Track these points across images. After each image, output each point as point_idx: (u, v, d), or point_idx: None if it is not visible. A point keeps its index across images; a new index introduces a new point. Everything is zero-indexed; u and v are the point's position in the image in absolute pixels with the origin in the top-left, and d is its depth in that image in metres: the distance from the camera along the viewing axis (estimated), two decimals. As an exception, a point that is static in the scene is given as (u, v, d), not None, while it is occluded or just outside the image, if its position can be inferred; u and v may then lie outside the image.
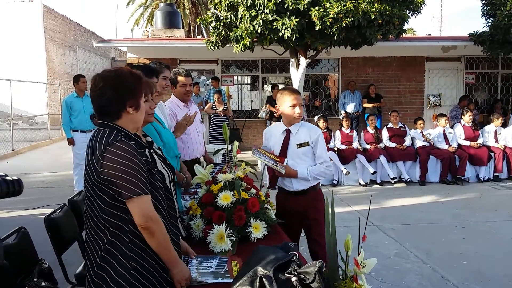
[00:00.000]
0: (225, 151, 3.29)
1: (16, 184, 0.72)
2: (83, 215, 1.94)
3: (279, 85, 11.58)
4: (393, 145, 8.34)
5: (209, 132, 9.36)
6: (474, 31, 10.48)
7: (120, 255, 1.78)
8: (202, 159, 4.16)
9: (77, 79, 7.23)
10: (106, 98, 1.84)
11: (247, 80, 12.99)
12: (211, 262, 2.12)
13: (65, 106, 7.03)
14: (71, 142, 7.01)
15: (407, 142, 8.41)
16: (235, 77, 12.63)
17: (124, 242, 1.79)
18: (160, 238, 1.80)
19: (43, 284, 2.20)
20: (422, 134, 8.46)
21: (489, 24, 10.00)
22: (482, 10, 10.18)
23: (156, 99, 2.86)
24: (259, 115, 11.58)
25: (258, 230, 2.54)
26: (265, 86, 12.53)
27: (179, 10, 17.89)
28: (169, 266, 1.87)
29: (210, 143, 9.06)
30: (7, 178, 0.70)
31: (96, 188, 1.78)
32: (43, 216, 2.81)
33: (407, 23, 8.70)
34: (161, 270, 1.87)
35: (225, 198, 2.57)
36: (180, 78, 3.86)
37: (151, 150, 2.02)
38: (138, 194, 1.74)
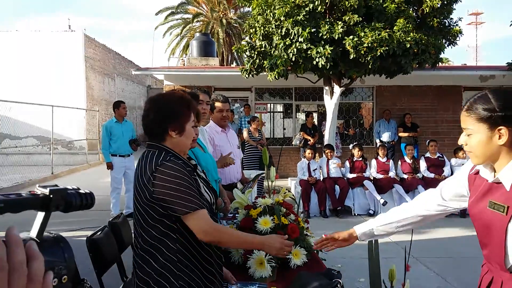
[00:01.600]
0: (262, 176, 3.29)
1: (89, 197, 0.74)
2: (130, 237, 1.98)
3: (313, 113, 11.59)
4: (432, 175, 8.14)
5: (244, 158, 9.41)
6: (513, 60, 10.28)
7: (170, 276, 1.79)
8: (238, 184, 4.17)
9: (118, 105, 7.44)
10: (149, 120, 1.90)
11: (279, 108, 13.07)
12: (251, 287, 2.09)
13: (105, 131, 7.22)
14: (109, 166, 7.17)
15: (446, 172, 8.19)
16: (268, 105, 12.74)
17: (172, 262, 1.80)
18: (229, 241, 1.90)
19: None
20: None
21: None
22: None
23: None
24: (293, 143, 11.59)
25: (298, 257, 2.49)
26: (298, 114, 12.56)
27: (213, 39, 18.36)
28: (260, 249, 1.99)
29: (244, 169, 9.09)
30: (81, 191, 0.73)
31: (149, 208, 1.81)
32: (82, 238, 2.86)
33: (444, 53, 8.62)
34: None
35: (265, 223, 2.54)
36: (217, 104, 3.93)
37: (195, 173, 2.05)
38: (195, 209, 1.76)
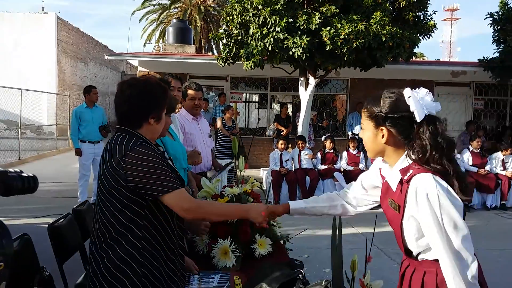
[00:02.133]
0: (233, 166, 3.28)
1: (31, 181, 0.72)
2: (91, 223, 1.92)
3: (287, 104, 11.60)
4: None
5: (216, 147, 9.35)
6: (484, 57, 10.51)
7: (134, 263, 1.76)
8: (209, 173, 4.14)
9: (89, 90, 7.26)
10: (131, 106, 1.85)
11: (255, 97, 13.04)
12: (213, 278, 2.07)
13: (74, 117, 7.06)
14: (78, 152, 7.02)
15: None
16: (244, 94, 12.69)
17: (136, 249, 1.77)
18: (214, 212, 1.93)
19: (43, 291, 2.16)
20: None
21: (500, 50, 10.01)
22: (493, 36, 10.20)
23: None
24: (266, 133, 11.60)
25: (263, 246, 2.49)
26: (273, 104, 12.56)
27: (191, 26, 18.12)
28: (245, 217, 2.01)
29: (216, 158, 9.05)
30: (23, 174, 0.70)
31: (116, 192, 1.76)
32: (46, 225, 2.79)
33: (418, 47, 8.74)
34: (168, 279, 1.85)
35: (231, 213, 2.53)
36: (190, 91, 3.87)
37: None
38: (174, 188, 1.76)
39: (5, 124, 16.01)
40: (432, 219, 1.49)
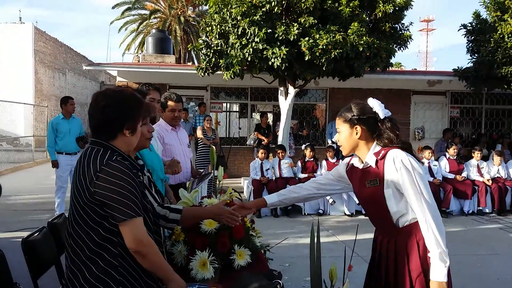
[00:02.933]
0: (212, 176, 3.28)
1: None
2: (64, 238, 1.88)
3: (268, 113, 11.65)
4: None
5: (196, 157, 9.31)
6: (458, 66, 10.75)
7: (112, 282, 1.73)
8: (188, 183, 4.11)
9: (66, 101, 7.16)
10: (106, 118, 1.82)
11: (235, 107, 13.05)
12: (190, 290, 2.04)
13: (51, 128, 6.94)
14: (55, 164, 6.90)
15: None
16: (224, 104, 12.69)
17: (114, 267, 1.74)
18: (152, 259, 1.77)
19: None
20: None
21: (474, 60, 10.26)
22: (467, 47, 10.45)
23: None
24: (247, 142, 11.61)
25: (242, 257, 2.48)
26: (253, 114, 12.59)
27: (170, 37, 18.08)
28: (165, 282, 1.83)
29: (196, 168, 9.02)
30: None
31: (88, 209, 1.72)
32: (20, 240, 2.73)
33: (394, 57, 8.89)
34: None
35: (209, 224, 2.51)
36: (170, 102, 3.85)
37: (142, 174, 1.99)
38: (131, 216, 1.70)
39: (-20, 136, 15.66)
40: (408, 178, 2.02)
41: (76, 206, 1.76)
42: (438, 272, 1.99)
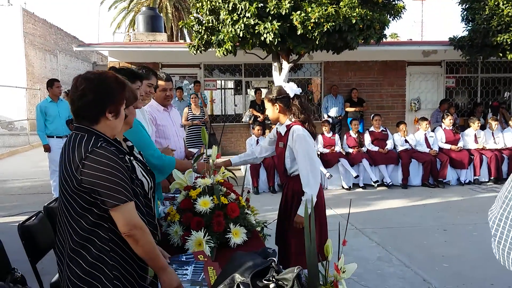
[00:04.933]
0: (205, 156, 3.27)
1: None
2: (56, 226, 1.88)
3: (262, 89, 11.57)
4: (376, 148, 8.39)
5: (186, 137, 9.26)
6: (453, 35, 10.64)
7: (105, 267, 1.73)
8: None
9: (51, 83, 7.04)
10: (86, 101, 1.76)
11: (230, 84, 12.95)
12: (187, 269, 2.06)
13: (40, 112, 6.86)
14: (47, 148, 6.85)
15: (389, 145, 8.47)
16: (218, 82, 12.59)
17: (106, 252, 1.74)
18: (145, 245, 1.76)
19: (16, 293, 2.13)
20: (406, 140, 8.51)
21: (468, 28, 10.16)
22: (462, 15, 10.33)
23: (139, 104, 2.81)
24: (242, 119, 11.57)
25: (237, 235, 2.49)
26: (248, 90, 12.51)
27: (161, 14, 17.80)
28: (157, 273, 1.83)
29: (187, 148, 9.00)
30: None
31: (77, 196, 1.71)
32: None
33: (388, 28, 8.79)
34: (140, 279, 1.83)
35: (204, 204, 2.52)
36: (160, 82, 3.80)
37: (131, 157, 1.97)
38: (123, 201, 1.69)
39: (-27, 121, 15.56)
40: (299, 145, 2.98)
41: (64, 193, 1.74)
42: (301, 211, 2.95)
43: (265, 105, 3.17)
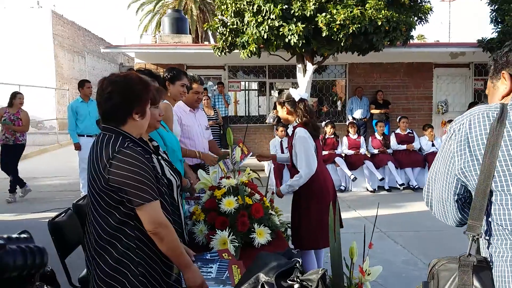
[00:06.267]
0: (229, 156, 3.35)
1: (37, 256, 0.57)
2: (85, 223, 1.93)
3: (281, 91, 11.56)
4: (403, 147, 8.28)
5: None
6: (482, 37, 10.41)
7: (131, 263, 1.78)
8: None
9: (82, 84, 7.28)
10: (113, 103, 1.82)
11: (254, 85, 12.99)
12: (211, 267, 2.08)
13: (71, 111, 7.07)
14: (77, 147, 7.04)
15: (416, 145, 8.37)
16: (242, 83, 12.64)
17: (132, 249, 1.79)
18: (170, 243, 1.80)
19: (45, 287, 2.19)
20: (433, 144, 8.37)
21: (498, 30, 9.93)
22: (491, 16, 10.11)
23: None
24: (266, 121, 11.59)
25: (262, 236, 2.51)
26: (272, 91, 12.52)
27: (186, 16, 17.97)
28: (181, 270, 1.87)
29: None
30: (25, 246, 0.56)
31: (104, 194, 1.77)
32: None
33: (415, 30, 8.67)
34: (165, 275, 1.87)
35: (229, 204, 2.55)
36: (194, 85, 3.87)
37: (159, 157, 2.02)
38: (148, 200, 1.74)
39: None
40: (299, 145, 3.35)
41: (93, 192, 1.80)
42: (282, 188, 3.44)
43: (277, 107, 3.62)
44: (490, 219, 1.32)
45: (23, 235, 0.65)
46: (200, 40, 22.75)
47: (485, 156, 1.26)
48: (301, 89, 9.37)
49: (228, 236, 2.36)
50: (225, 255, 2.18)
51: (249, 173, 2.88)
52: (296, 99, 3.43)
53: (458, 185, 1.38)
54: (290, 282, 1.58)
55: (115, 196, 1.75)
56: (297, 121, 3.45)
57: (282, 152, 8.08)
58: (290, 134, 3.59)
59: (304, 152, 3.32)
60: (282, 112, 3.55)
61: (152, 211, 1.76)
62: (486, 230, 1.35)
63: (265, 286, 1.57)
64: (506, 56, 1.44)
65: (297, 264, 1.71)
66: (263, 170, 9.50)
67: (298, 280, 1.55)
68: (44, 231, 2.87)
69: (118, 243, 1.78)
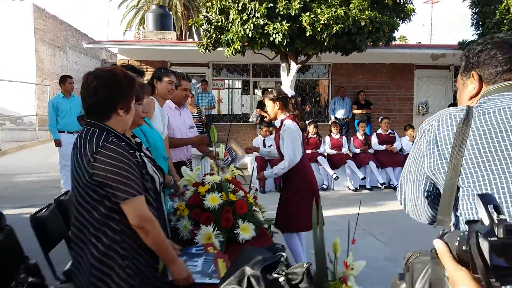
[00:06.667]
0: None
1: None
2: (71, 215, 1.92)
3: (269, 89, 11.60)
4: (383, 147, 8.40)
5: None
6: (463, 39, 10.61)
7: (117, 256, 1.78)
8: (194, 161, 4.16)
9: (64, 79, 7.16)
10: (98, 98, 1.82)
11: (238, 84, 13.00)
12: (197, 261, 2.10)
13: (52, 107, 6.95)
14: (58, 143, 6.94)
15: (396, 146, 8.49)
16: (226, 81, 12.64)
17: (117, 243, 1.78)
18: (155, 237, 1.82)
19: (30, 280, 2.18)
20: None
21: (478, 32, 10.13)
22: (472, 19, 10.31)
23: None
24: (249, 119, 11.61)
25: (246, 231, 2.53)
26: (255, 90, 12.55)
27: (171, 12, 17.85)
28: (166, 264, 1.89)
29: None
30: None
31: (89, 189, 1.76)
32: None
33: (397, 31, 8.79)
34: (152, 269, 1.88)
35: (213, 200, 2.56)
36: (183, 81, 3.89)
37: (141, 154, 2.02)
38: (133, 195, 1.74)
39: (-17, 115, 15.69)
40: (287, 135, 3.54)
41: (77, 186, 1.80)
42: (266, 173, 3.85)
43: (266, 103, 3.75)
44: (458, 213, 1.38)
45: None
46: (184, 38, 22.65)
47: (452, 155, 1.32)
48: (285, 88, 9.41)
49: (213, 232, 2.37)
50: (211, 249, 2.19)
51: (233, 170, 2.89)
52: (289, 95, 3.66)
53: (427, 182, 1.44)
54: (275, 275, 1.60)
55: (100, 191, 1.75)
56: (285, 114, 3.63)
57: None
58: (278, 127, 3.72)
59: (291, 141, 3.52)
60: (273, 108, 3.68)
61: (137, 205, 1.76)
62: (455, 224, 1.41)
63: (251, 279, 1.59)
64: (477, 56, 1.48)
65: (281, 258, 1.73)
66: (246, 168, 9.52)
67: (283, 273, 1.58)
68: (25, 226, 2.85)
69: (103, 237, 1.78)
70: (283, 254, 1.76)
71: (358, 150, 8.42)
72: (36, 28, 18.28)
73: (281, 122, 3.63)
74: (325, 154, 8.31)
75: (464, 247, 0.80)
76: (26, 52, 17.64)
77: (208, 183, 2.69)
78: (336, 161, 8.16)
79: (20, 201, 6.70)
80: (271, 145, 8.22)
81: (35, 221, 2.70)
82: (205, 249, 2.19)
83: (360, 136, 8.62)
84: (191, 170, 3.01)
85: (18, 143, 13.89)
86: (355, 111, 11.15)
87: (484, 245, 0.72)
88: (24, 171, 9.43)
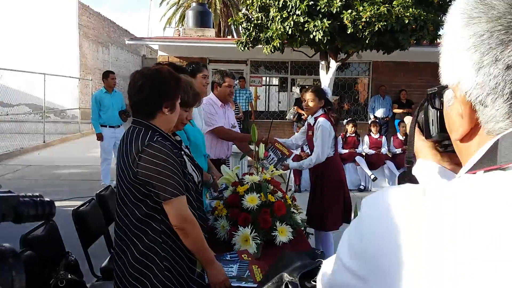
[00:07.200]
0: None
1: (47, 207, 0.66)
2: (114, 211, 1.95)
3: (307, 87, 11.50)
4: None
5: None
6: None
7: (156, 257, 1.78)
8: (232, 159, 4.17)
9: (107, 75, 7.31)
10: (144, 96, 1.83)
11: (275, 81, 12.95)
12: (232, 267, 2.08)
13: (94, 102, 7.13)
14: (99, 137, 7.12)
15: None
16: (264, 78, 12.61)
17: (157, 243, 1.79)
18: (195, 239, 1.81)
19: (69, 276, 2.22)
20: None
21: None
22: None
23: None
24: (286, 117, 11.55)
25: (283, 234, 2.50)
26: (293, 88, 12.46)
27: (210, 10, 17.99)
28: (204, 266, 1.88)
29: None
30: (38, 199, 0.65)
31: (132, 187, 1.78)
32: (71, 209, 2.85)
33: (442, 29, 8.49)
34: (189, 270, 1.88)
35: (251, 200, 2.54)
36: (227, 78, 3.92)
37: (181, 152, 2.02)
38: (175, 195, 1.74)
39: (29, 108, 16.32)
40: (320, 132, 3.60)
41: (121, 184, 1.82)
42: (292, 164, 3.94)
43: (310, 97, 3.76)
44: None
45: (35, 194, 0.74)
46: (223, 34, 22.79)
47: None
48: (324, 86, 9.29)
49: (250, 233, 2.35)
50: (245, 256, 2.17)
51: (272, 170, 2.86)
52: (329, 94, 4.02)
53: None
54: (314, 283, 1.55)
55: (143, 189, 1.76)
56: (319, 113, 3.73)
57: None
58: (311, 124, 3.77)
59: (321, 139, 3.62)
60: (316, 104, 3.74)
61: (178, 206, 1.76)
62: None
63: (289, 285, 1.55)
64: None
65: (320, 265, 1.68)
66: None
67: (323, 281, 1.53)
68: (65, 220, 2.90)
69: (144, 236, 1.79)
70: (323, 260, 1.71)
71: (398, 151, 8.21)
72: (81, 24, 18.83)
73: (315, 120, 3.72)
74: (364, 154, 8.15)
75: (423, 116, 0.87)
76: (71, 48, 18.19)
77: (247, 182, 2.66)
78: (374, 162, 7.98)
79: (62, 193, 6.91)
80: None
81: (77, 215, 2.75)
82: (239, 256, 2.17)
83: (400, 136, 8.40)
84: (229, 168, 2.99)
85: (61, 135, 14.37)
86: (396, 110, 10.88)
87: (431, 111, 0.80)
88: (66, 163, 9.73)
